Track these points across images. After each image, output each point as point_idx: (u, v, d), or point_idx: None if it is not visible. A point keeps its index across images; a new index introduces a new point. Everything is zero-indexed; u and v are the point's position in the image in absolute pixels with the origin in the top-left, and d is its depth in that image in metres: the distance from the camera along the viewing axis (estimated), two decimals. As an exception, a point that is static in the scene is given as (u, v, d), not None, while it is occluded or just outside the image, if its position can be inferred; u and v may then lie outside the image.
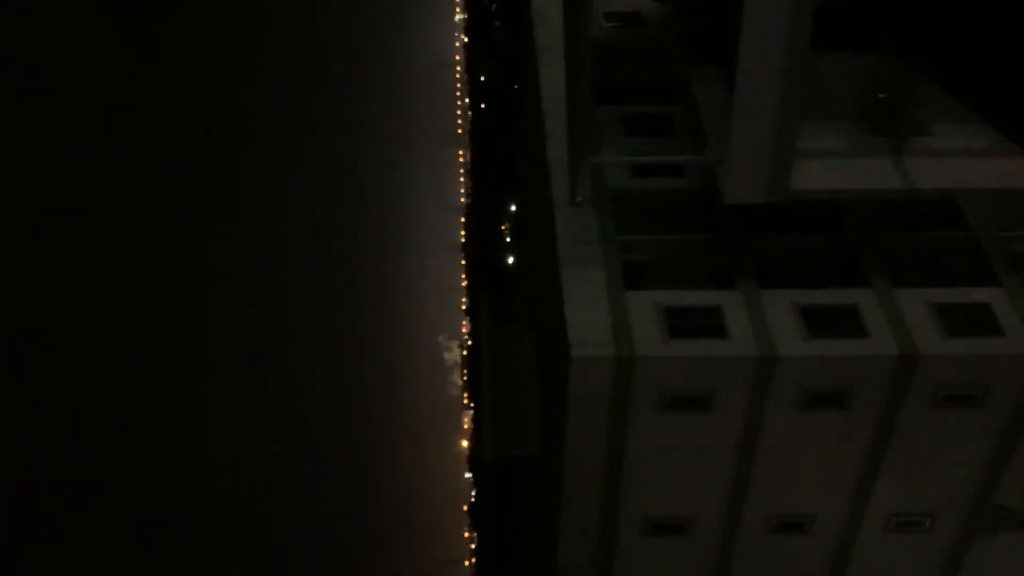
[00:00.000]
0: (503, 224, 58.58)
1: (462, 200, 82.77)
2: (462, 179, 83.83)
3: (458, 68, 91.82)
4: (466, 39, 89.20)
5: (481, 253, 65.13)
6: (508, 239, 57.17)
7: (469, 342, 64.94)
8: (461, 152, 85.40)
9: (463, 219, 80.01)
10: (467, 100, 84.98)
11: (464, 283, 74.01)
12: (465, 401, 67.35)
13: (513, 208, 55.56)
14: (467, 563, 65.72)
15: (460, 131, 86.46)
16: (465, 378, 67.13)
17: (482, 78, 76.93)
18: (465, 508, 66.31)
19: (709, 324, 24.11)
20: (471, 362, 61.17)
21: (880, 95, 23.28)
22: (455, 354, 77.84)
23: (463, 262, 75.66)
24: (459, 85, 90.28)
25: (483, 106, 75.15)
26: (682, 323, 24.10)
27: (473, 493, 62.88)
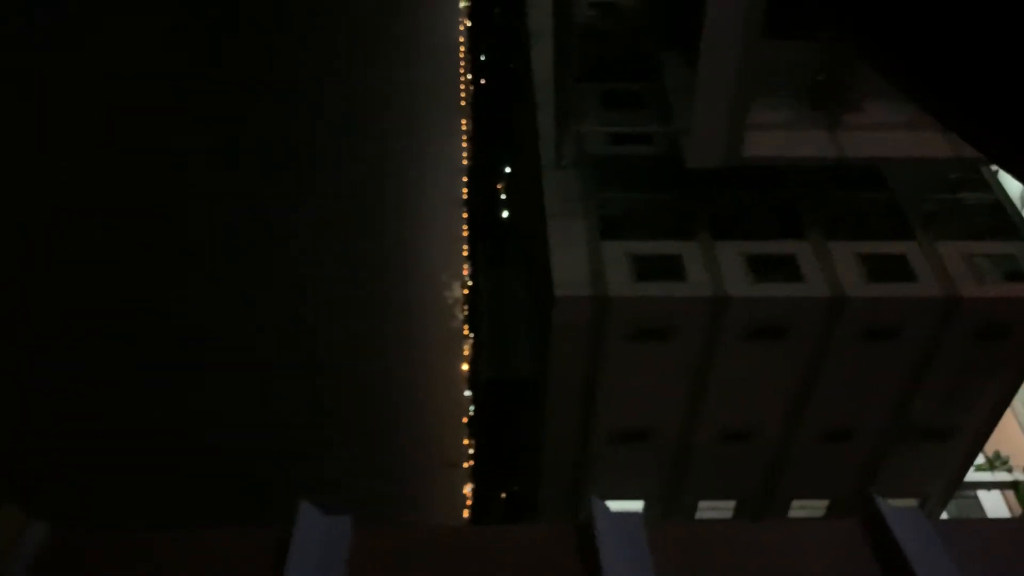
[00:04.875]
0: (499, 183, 58.14)
1: (464, 162, 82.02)
2: (464, 144, 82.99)
3: (461, 48, 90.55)
4: (468, 23, 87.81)
5: (480, 207, 64.68)
6: (503, 196, 56.81)
7: (469, 282, 64.72)
8: (464, 121, 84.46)
9: (465, 178, 79.38)
10: (469, 76, 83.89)
11: (465, 233, 73.59)
12: (465, 332, 67.22)
13: (508, 169, 55.09)
14: (465, 465, 66.35)
15: (463, 103, 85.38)
16: (465, 312, 66.93)
17: (482, 57, 75.87)
18: (464, 420, 66.76)
19: (671, 269, 24.22)
20: (471, 299, 61.02)
21: (819, 76, 23.17)
22: (456, 292, 77.67)
23: (464, 215, 75.20)
24: (462, 63, 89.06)
25: (483, 81, 74.24)
26: (648, 268, 24.21)
27: (471, 408, 63.28)
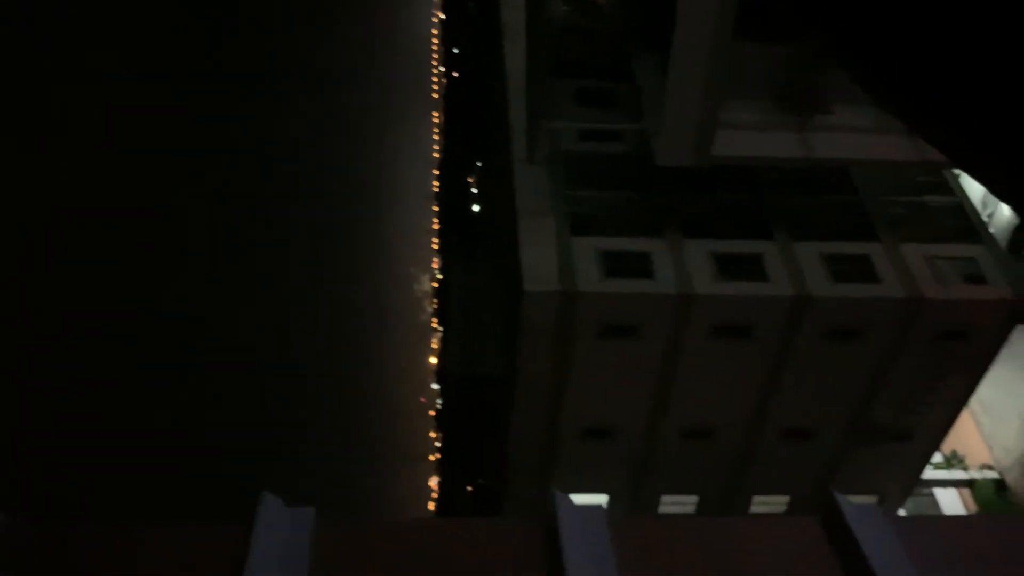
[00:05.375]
0: (470, 177, 57.89)
1: (436, 156, 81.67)
2: (436, 138, 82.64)
3: (434, 41, 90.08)
4: (442, 16, 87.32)
5: (451, 201, 64.42)
6: (474, 190, 56.57)
7: (439, 276, 64.47)
8: (436, 114, 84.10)
9: (436, 172, 79.06)
10: (442, 69, 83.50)
11: (436, 226, 73.36)
12: (434, 325, 67.03)
13: (479, 164, 54.87)
14: (432, 458, 66.14)
15: (435, 96, 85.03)
16: (435, 306, 66.74)
17: (455, 50, 75.49)
18: (432, 413, 66.52)
19: (639, 266, 24.27)
20: (441, 293, 60.74)
21: (789, 79, 23.32)
22: (426, 285, 77.53)
23: (435, 208, 74.93)
24: (435, 56, 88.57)
25: (456, 74, 73.92)
26: (617, 265, 24.25)
27: (439, 401, 63.06)
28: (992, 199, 29.48)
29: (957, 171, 27.39)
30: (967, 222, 26.47)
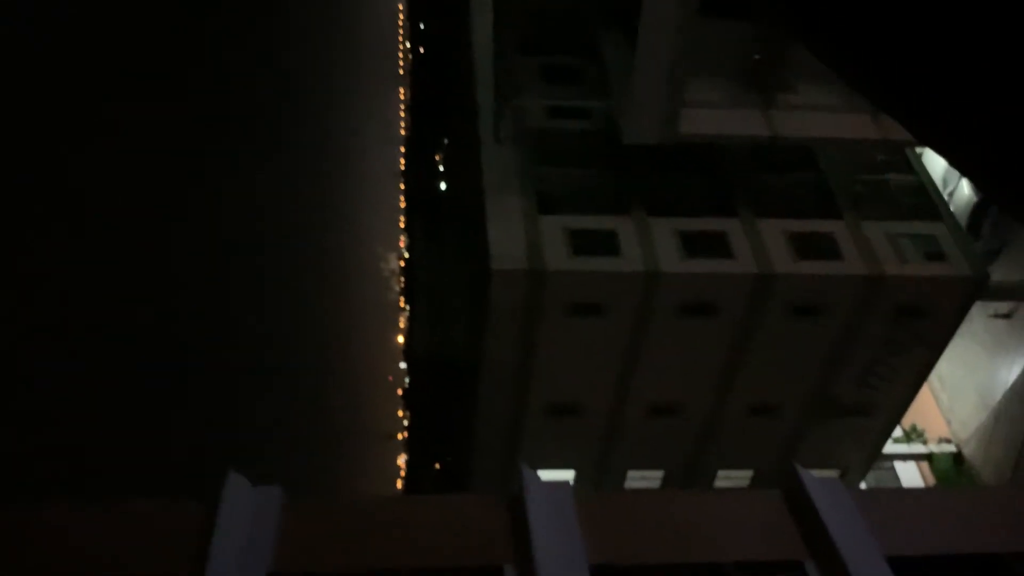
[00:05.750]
0: (437, 155, 57.55)
1: (402, 133, 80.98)
2: (402, 115, 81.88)
3: (400, 16, 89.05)
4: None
5: (417, 179, 64.00)
6: (441, 168, 56.28)
7: (406, 254, 64.08)
8: (402, 91, 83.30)
9: (402, 149, 78.46)
10: (408, 45, 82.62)
11: (403, 205, 72.87)
12: (401, 304, 66.65)
13: (446, 141, 54.49)
14: (400, 436, 66.06)
15: (402, 72, 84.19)
16: (402, 285, 66.36)
17: (422, 26, 74.71)
18: (400, 392, 66.37)
19: (606, 244, 24.29)
20: (408, 272, 60.37)
21: (755, 57, 23.41)
22: (393, 264, 77.15)
23: (401, 186, 74.42)
24: (401, 31, 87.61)
25: (422, 51, 73.23)
26: (584, 243, 24.23)
27: (407, 380, 62.93)
28: (953, 177, 29.88)
29: (920, 150, 27.70)
30: (928, 200, 26.80)
